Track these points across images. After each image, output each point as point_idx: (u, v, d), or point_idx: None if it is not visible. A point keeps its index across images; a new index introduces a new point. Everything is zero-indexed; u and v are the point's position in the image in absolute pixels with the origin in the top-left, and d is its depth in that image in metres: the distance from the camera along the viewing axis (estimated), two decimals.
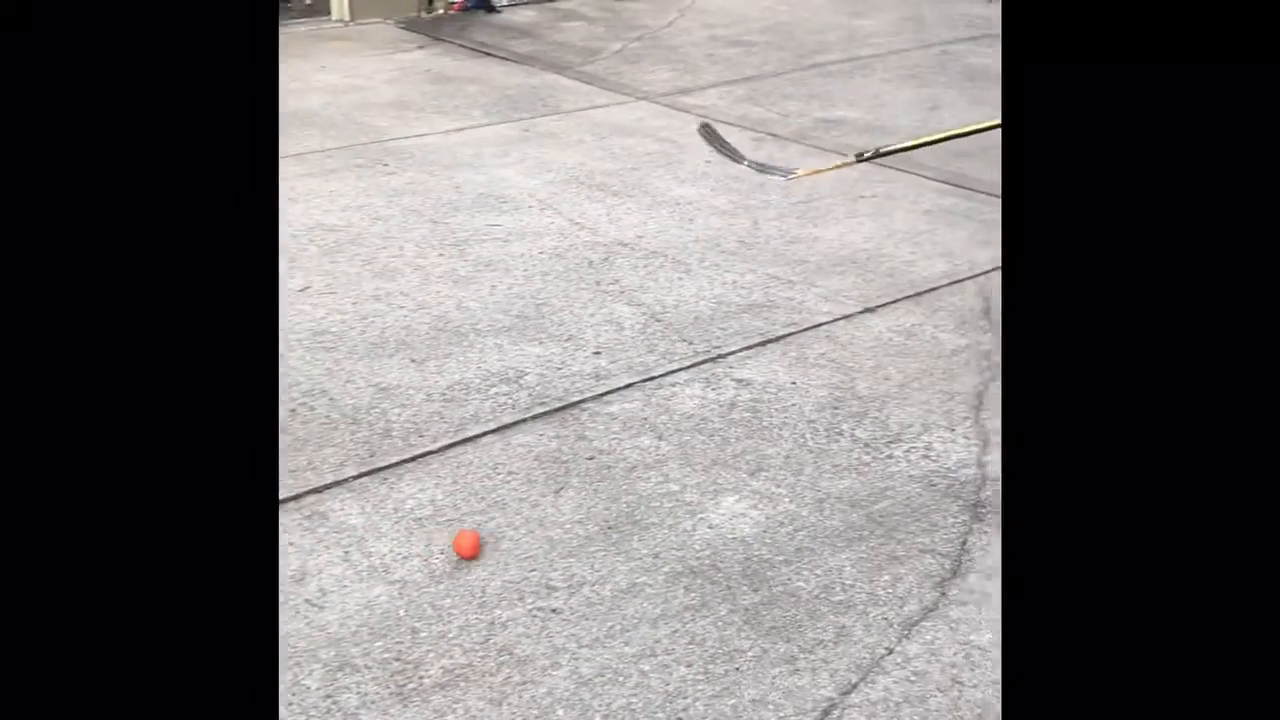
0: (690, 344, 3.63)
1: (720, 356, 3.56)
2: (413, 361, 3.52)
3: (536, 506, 2.84)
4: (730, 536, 2.74)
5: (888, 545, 2.71)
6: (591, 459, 3.04)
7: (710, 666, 2.35)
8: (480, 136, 5.62)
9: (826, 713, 2.24)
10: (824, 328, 3.75)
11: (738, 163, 4.73)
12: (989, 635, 2.43)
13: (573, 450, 3.07)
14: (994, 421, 3.22)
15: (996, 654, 2.38)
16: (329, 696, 2.26)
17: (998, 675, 2.33)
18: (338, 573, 2.60)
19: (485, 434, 3.14)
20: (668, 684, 2.30)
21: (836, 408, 3.29)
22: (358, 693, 2.27)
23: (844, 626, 2.46)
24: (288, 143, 5.31)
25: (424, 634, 2.43)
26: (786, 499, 2.88)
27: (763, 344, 3.64)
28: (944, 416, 3.25)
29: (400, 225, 4.54)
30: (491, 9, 8.17)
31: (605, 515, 2.81)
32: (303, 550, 2.66)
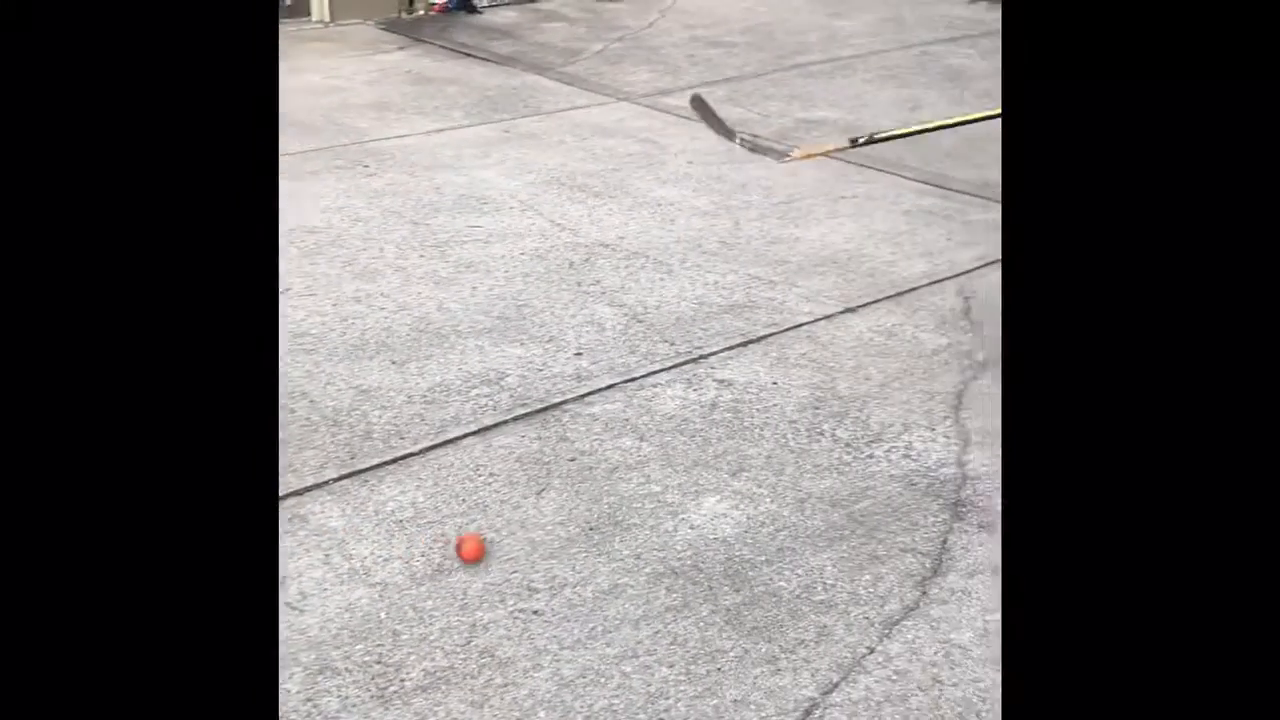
0: (672, 345, 3.64)
1: (702, 357, 3.57)
2: (393, 363, 3.51)
3: (518, 508, 2.83)
4: (712, 537, 2.74)
5: (869, 545, 2.72)
6: (573, 460, 3.04)
7: (692, 667, 2.35)
8: (461, 138, 5.61)
9: (808, 712, 2.24)
10: (805, 328, 3.76)
11: (730, 139, 4.68)
12: (969, 634, 2.44)
13: (554, 452, 3.07)
14: (974, 421, 3.24)
15: (977, 652, 2.39)
16: (309, 700, 2.25)
17: (978, 674, 2.34)
18: (318, 575, 2.59)
19: (466, 436, 3.13)
20: (649, 685, 2.30)
21: (817, 408, 3.30)
22: (338, 696, 2.27)
23: (825, 626, 2.46)
24: None
25: (405, 636, 2.42)
26: (768, 499, 2.88)
27: (744, 344, 3.65)
28: (924, 416, 3.26)
29: (381, 227, 4.53)
30: (472, 10, 8.16)
31: (587, 516, 2.81)
32: (283, 553, 2.65)
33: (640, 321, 3.79)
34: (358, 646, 2.39)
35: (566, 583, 2.58)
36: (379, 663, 2.35)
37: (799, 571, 2.63)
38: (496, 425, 3.18)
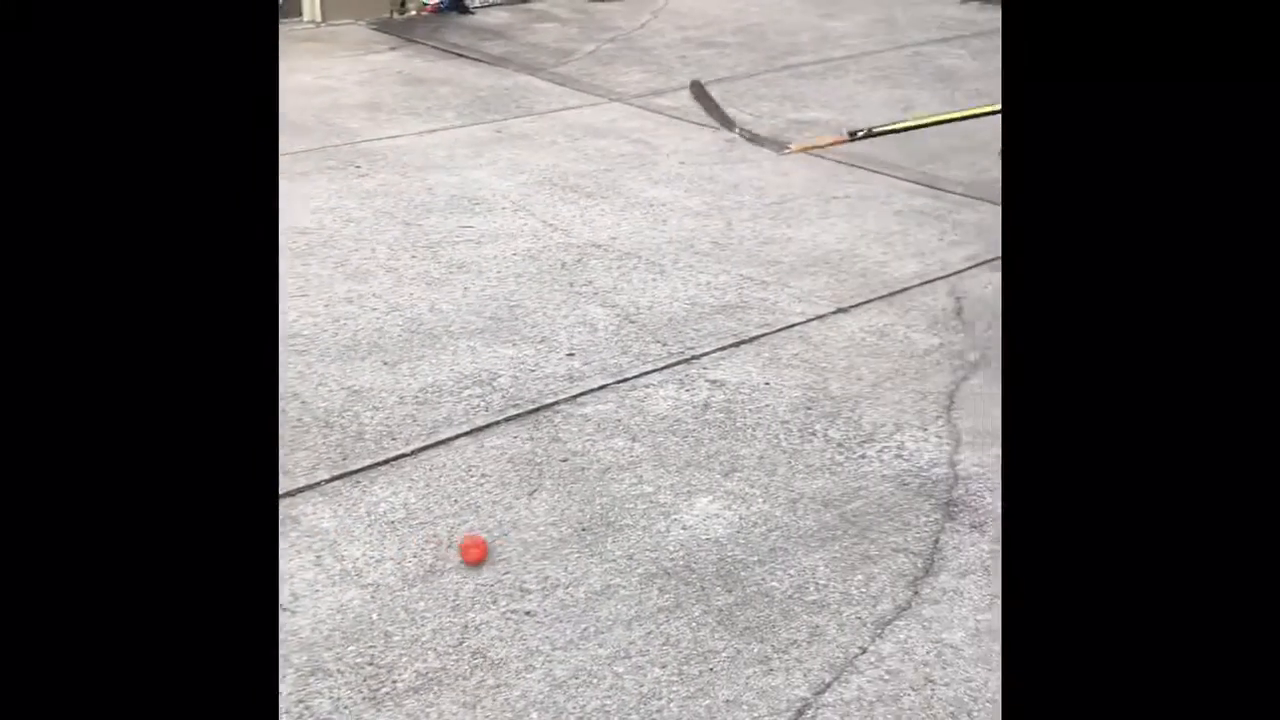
0: (664, 345, 3.64)
1: (694, 358, 3.57)
2: (385, 364, 3.50)
3: (510, 509, 2.83)
4: (704, 537, 2.74)
5: (861, 545, 2.72)
6: (565, 461, 3.03)
7: (684, 668, 2.35)
8: (453, 138, 5.61)
9: (800, 712, 2.24)
10: (797, 328, 3.76)
11: (729, 129, 4.68)
12: (961, 633, 2.45)
13: (546, 452, 3.07)
14: (966, 421, 3.24)
15: (969, 652, 2.39)
16: (301, 701, 2.25)
17: (970, 673, 2.34)
18: (310, 577, 2.59)
19: (458, 436, 3.13)
20: (642, 685, 2.30)
21: (810, 408, 3.30)
22: (330, 697, 2.26)
23: (817, 626, 2.46)
24: None
25: (397, 638, 2.42)
26: (760, 499, 2.88)
27: (736, 345, 3.65)
28: (916, 416, 3.27)
29: (372, 227, 4.52)
30: (464, 10, 8.15)
31: (579, 517, 2.81)
32: None
33: (632, 322, 3.79)
34: (349, 648, 2.39)
35: (559, 583, 2.58)
36: (371, 664, 2.35)
37: (791, 572, 2.63)
38: (488, 426, 3.18)
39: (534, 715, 2.23)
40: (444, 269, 4.16)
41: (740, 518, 2.81)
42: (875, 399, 3.35)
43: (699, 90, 4.76)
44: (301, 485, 2.90)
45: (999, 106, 3.52)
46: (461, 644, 2.40)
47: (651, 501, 2.87)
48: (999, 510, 2.85)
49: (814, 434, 3.17)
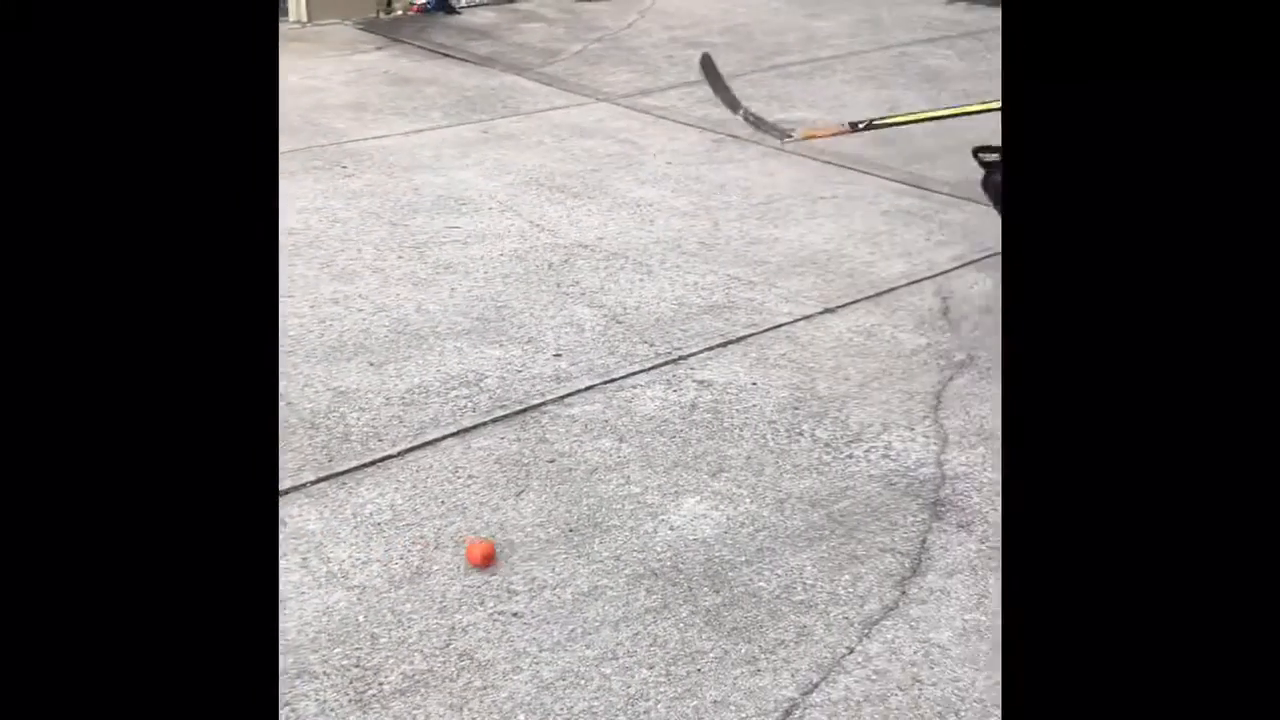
0: (651, 345, 3.63)
1: (681, 358, 3.56)
2: (371, 365, 3.49)
3: (497, 510, 2.82)
4: (691, 538, 2.74)
5: (848, 545, 2.72)
6: (552, 462, 3.03)
7: (672, 668, 2.34)
8: (439, 138, 5.60)
9: (788, 713, 2.24)
10: (784, 328, 3.77)
11: (733, 111, 4.64)
12: (948, 633, 2.45)
13: (533, 453, 3.06)
14: (953, 421, 3.24)
15: (956, 652, 2.40)
16: (287, 704, 2.24)
17: (957, 673, 2.34)
18: (295, 579, 2.57)
19: (445, 437, 3.12)
20: (629, 686, 2.30)
21: (797, 408, 3.30)
22: (316, 700, 2.25)
23: (805, 626, 2.46)
24: None
25: (383, 640, 2.41)
26: (747, 499, 2.88)
27: (723, 345, 3.65)
28: (903, 416, 3.27)
29: (359, 228, 4.51)
30: (451, 10, 8.14)
31: (566, 518, 2.80)
32: None
33: (620, 322, 3.79)
34: (335, 650, 2.38)
35: (546, 584, 2.57)
36: (357, 666, 2.34)
37: (779, 572, 2.63)
38: (475, 427, 3.17)
39: (521, 717, 2.23)
40: (430, 269, 4.15)
41: (728, 518, 2.81)
42: (862, 399, 3.35)
43: (708, 65, 4.68)
44: (287, 487, 2.89)
45: (998, 104, 3.51)
46: (448, 646, 2.39)
47: (639, 502, 2.87)
48: (986, 510, 2.85)
49: (801, 434, 3.17)
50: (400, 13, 8.06)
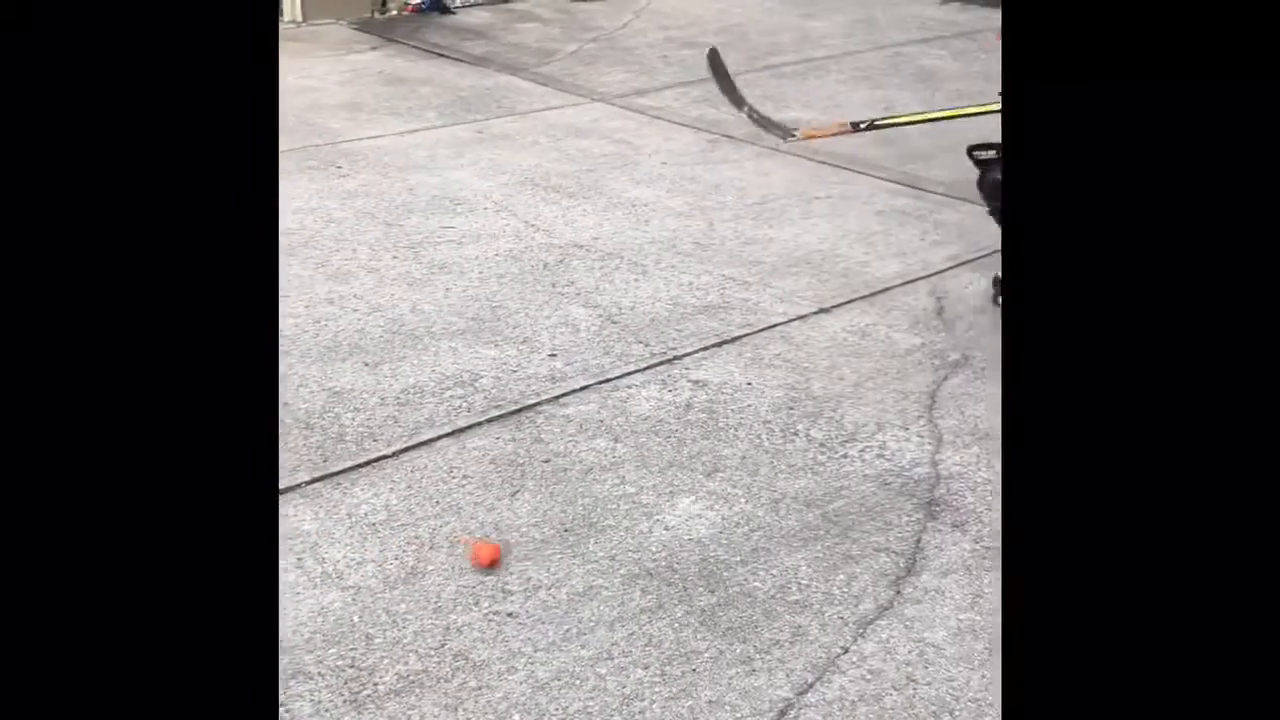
0: (646, 345, 3.63)
1: (676, 358, 3.57)
2: (366, 365, 3.49)
3: (492, 510, 2.82)
4: (686, 538, 2.74)
5: (843, 544, 2.72)
6: (547, 462, 3.03)
7: (667, 668, 2.35)
8: (434, 138, 5.59)
9: (783, 713, 2.24)
10: (779, 328, 3.77)
11: (738, 108, 4.62)
12: (943, 633, 2.45)
13: (528, 453, 3.06)
14: (947, 420, 3.25)
15: (951, 651, 2.40)
16: (282, 705, 2.24)
17: (952, 672, 2.34)
18: (290, 579, 2.57)
19: (440, 438, 3.12)
20: (624, 686, 2.30)
21: (792, 408, 3.30)
22: (311, 700, 2.25)
23: (800, 626, 2.46)
24: None
25: (378, 640, 2.41)
26: (742, 500, 2.89)
27: (718, 345, 3.65)
28: (898, 415, 3.27)
29: (354, 228, 4.51)
30: (446, 10, 8.13)
31: (561, 518, 2.80)
32: None
33: (615, 322, 3.79)
34: (330, 650, 2.37)
35: (541, 585, 2.57)
36: (352, 666, 2.34)
37: (774, 572, 2.63)
38: (470, 427, 3.17)
39: (516, 717, 2.23)
40: (425, 269, 4.15)
41: (723, 518, 2.81)
42: (857, 399, 3.36)
43: (715, 60, 4.65)
44: (282, 487, 2.88)
45: (999, 105, 3.51)
46: (443, 646, 2.39)
47: (634, 502, 2.87)
48: (981, 509, 2.86)
49: (796, 434, 3.18)
50: (395, 12, 8.05)
